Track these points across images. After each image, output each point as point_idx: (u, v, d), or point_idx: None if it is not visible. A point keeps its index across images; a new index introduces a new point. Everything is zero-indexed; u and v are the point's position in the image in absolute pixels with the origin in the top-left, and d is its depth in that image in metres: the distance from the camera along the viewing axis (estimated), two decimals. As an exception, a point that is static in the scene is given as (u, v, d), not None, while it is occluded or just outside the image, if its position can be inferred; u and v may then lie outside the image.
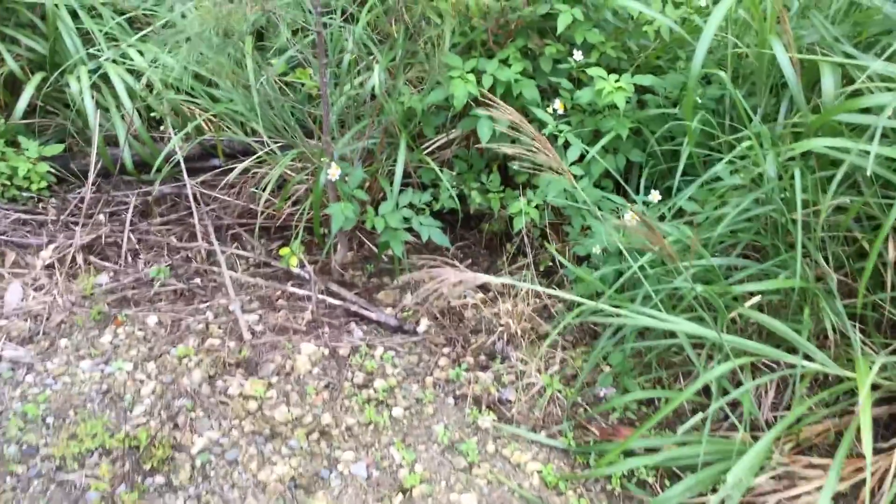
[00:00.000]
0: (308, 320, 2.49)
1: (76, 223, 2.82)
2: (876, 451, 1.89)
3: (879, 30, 2.23)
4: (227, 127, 3.05)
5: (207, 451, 2.01)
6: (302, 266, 2.67)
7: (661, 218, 2.29)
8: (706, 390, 2.13)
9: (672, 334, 2.14)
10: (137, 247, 2.77)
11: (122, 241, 2.76)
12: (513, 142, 1.99)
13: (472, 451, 2.06)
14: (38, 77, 3.05)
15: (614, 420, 2.19)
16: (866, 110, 1.95)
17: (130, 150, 3.04)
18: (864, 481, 1.90)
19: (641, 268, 2.08)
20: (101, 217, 2.88)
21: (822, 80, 2.08)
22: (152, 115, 3.14)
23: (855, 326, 1.99)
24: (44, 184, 2.95)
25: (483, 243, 2.90)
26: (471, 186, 2.68)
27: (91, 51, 3.10)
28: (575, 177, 2.39)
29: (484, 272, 2.75)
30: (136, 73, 3.07)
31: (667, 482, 2.00)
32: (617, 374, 2.25)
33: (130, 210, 2.88)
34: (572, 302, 2.22)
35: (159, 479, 1.92)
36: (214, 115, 3.01)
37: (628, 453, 2.02)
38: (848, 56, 2.15)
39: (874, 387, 1.85)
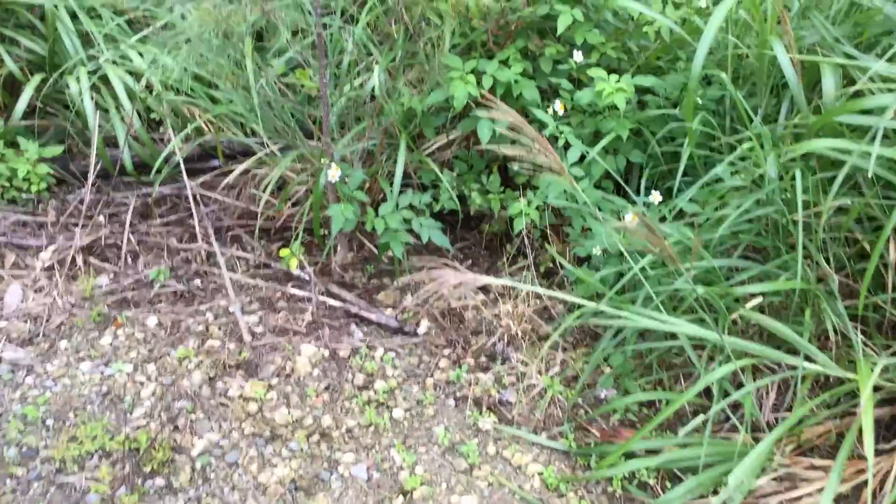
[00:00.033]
0: (308, 322, 2.48)
1: (76, 224, 2.82)
2: (877, 453, 1.89)
3: (880, 30, 2.23)
4: (227, 128, 3.04)
5: (207, 454, 2.01)
6: (302, 267, 2.67)
7: (662, 219, 2.29)
8: (707, 392, 2.13)
9: (673, 336, 2.13)
10: (137, 248, 2.77)
11: (121, 242, 2.76)
12: (513, 143, 1.99)
13: (473, 452, 2.06)
14: (37, 78, 3.05)
15: (615, 422, 2.19)
16: (867, 111, 1.95)
17: (130, 152, 3.04)
18: (865, 483, 1.89)
19: (642, 269, 2.08)
20: (101, 218, 2.88)
21: (822, 80, 2.07)
22: (152, 116, 3.14)
23: (857, 328, 1.99)
24: (43, 185, 2.94)
25: (483, 244, 2.90)
26: (471, 187, 2.68)
27: (91, 52, 3.09)
28: (575, 178, 2.38)
29: (484, 273, 2.75)
30: (136, 75, 3.06)
31: (668, 484, 1.99)
32: (618, 376, 2.25)
33: (130, 211, 2.87)
34: (573, 303, 2.21)
35: (159, 481, 1.92)
36: (214, 117, 3.01)
37: (629, 455, 2.02)
38: (849, 57, 2.15)
39: (875, 388, 1.85)
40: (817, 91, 2.25)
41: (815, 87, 2.28)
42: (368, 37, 2.81)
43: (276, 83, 2.84)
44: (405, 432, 2.13)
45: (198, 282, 2.64)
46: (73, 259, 2.66)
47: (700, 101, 2.40)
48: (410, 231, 2.49)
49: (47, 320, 2.42)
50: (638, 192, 2.50)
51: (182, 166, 2.89)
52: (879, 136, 1.75)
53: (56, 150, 3.00)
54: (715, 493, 1.90)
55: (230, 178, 2.88)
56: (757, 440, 1.91)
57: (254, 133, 2.94)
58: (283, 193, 2.75)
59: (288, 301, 2.59)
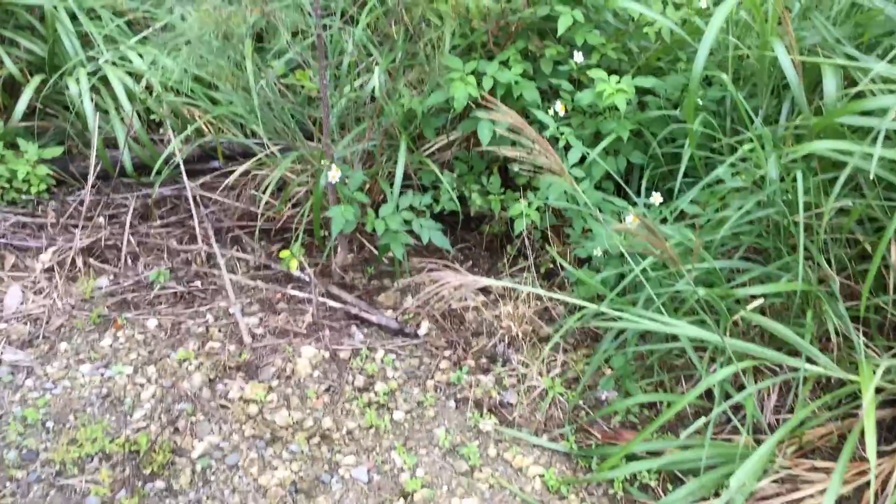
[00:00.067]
0: (308, 323, 2.48)
1: (76, 226, 2.82)
2: (879, 454, 1.89)
3: (881, 31, 2.23)
4: (227, 129, 3.04)
5: (208, 456, 2.00)
6: (302, 269, 2.67)
7: (664, 221, 2.28)
8: (708, 393, 2.12)
9: (674, 337, 2.13)
10: (137, 249, 2.76)
11: (121, 243, 2.75)
12: (513, 144, 1.99)
13: (474, 454, 2.06)
14: (37, 79, 3.04)
15: (616, 423, 2.19)
16: (868, 113, 1.95)
17: (130, 153, 3.03)
18: (867, 484, 1.89)
19: (643, 271, 2.07)
20: (101, 220, 2.87)
21: (824, 81, 2.07)
22: (152, 117, 3.13)
23: (858, 329, 1.98)
24: (43, 186, 2.94)
25: (484, 245, 2.89)
26: (471, 188, 2.68)
27: (90, 53, 3.09)
28: (576, 179, 2.38)
29: (485, 274, 2.75)
30: (136, 76, 3.06)
31: (669, 486, 1.99)
32: (619, 378, 2.25)
33: (130, 213, 2.87)
34: (574, 304, 2.21)
35: (160, 483, 1.91)
36: (214, 118, 3.01)
37: (630, 457, 2.01)
38: (850, 58, 2.15)
39: (877, 390, 1.84)
40: (818, 92, 2.25)
41: (815, 87, 2.27)
42: (368, 38, 2.80)
43: (276, 84, 2.84)
44: (406, 434, 2.12)
45: (198, 283, 2.64)
46: (73, 260, 2.66)
47: (701, 102, 2.39)
48: (411, 232, 2.48)
49: (47, 322, 2.41)
50: (638, 194, 2.50)
51: (182, 167, 2.89)
52: (881, 138, 1.75)
53: (56, 151, 3.00)
54: (716, 495, 1.89)
55: (230, 180, 2.87)
56: (758, 442, 1.91)
57: (254, 134, 2.94)
58: (284, 195, 2.75)
59: (288, 302, 2.58)
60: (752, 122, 2.24)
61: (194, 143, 3.00)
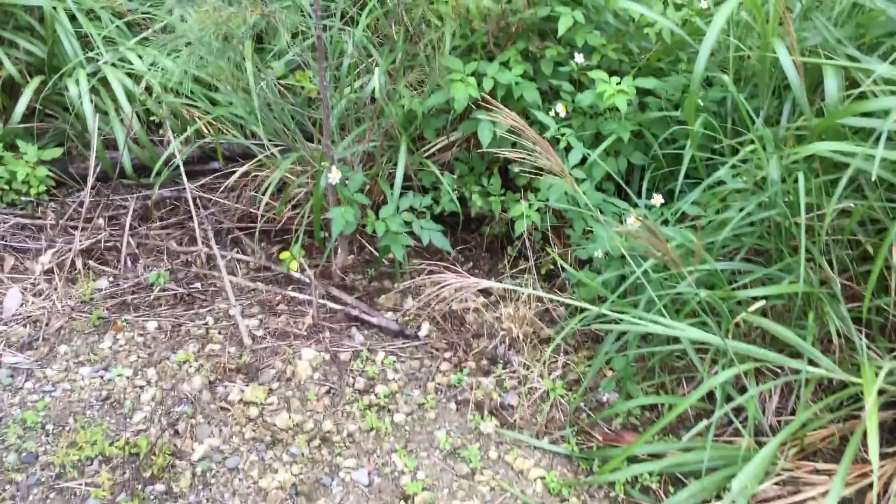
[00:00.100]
0: (309, 325, 2.47)
1: (75, 227, 2.81)
2: (881, 456, 1.88)
3: (882, 32, 2.22)
4: (227, 130, 3.03)
5: (208, 459, 2.00)
6: (302, 270, 2.66)
7: (665, 222, 2.28)
8: (710, 395, 2.12)
9: (675, 339, 2.12)
10: (137, 251, 2.75)
11: (121, 245, 2.75)
12: (513, 145, 1.98)
13: (475, 457, 2.05)
14: (36, 80, 3.04)
15: (617, 425, 2.18)
16: (869, 114, 1.94)
17: (130, 154, 3.03)
18: (869, 486, 1.89)
19: (644, 272, 2.07)
20: (101, 221, 2.87)
21: (825, 82, 2.06)
22: (151, 118, 3.13)
23: (861, 331, 1.98)
24: (42, 188, 2.93)
25: (484, 246, 2.89)
26: (472, 189, 2.67)
27: (90, 54, 3.08)
28: (576, 180, 2.37)
29: (485, 275, 2.74)
30: (136, 77, 3.05)
31: (671, 488, 1.98)
32: (620, 380, 2.24)
33: (130, 214, 2.86)
34: (575, 306, 2.20)
35: (160, 486, 1.91)
36: (214, 119, 3.00)
37: (632, 459, 2.01)
38: (851, 59, 2.14)
39: (879, 392, 1.84)
40: (819, 93, 2.24)
41: (816, 88, 2.27)
42: (369, 39, 2.80)
43: (276, 85, 2.83)
44: (406, 437, 2.12)
45: (198, 285, 2.63)
46: (73, 262, 2.65)
47: (701, 103, 2.39)
48: (411, 233, 2.48)
49: (47, 324, 2.41)
50: (639, 195, 2.49)
51: (182, 169, 2.88)
52: (883, 139, 1.74)
53: (55, 152, 2.99)
54: (718, 497, 1.89)
55: (230, 181, 2.87)
56: (760, 444, 1.90)
57: (254, 135, 2.94)
58: (284, 196, 2.74)
59: (288, 304, 2.58)
60: (754, 122, 2.23)
61: (194, 145, 3.00)
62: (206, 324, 2.46)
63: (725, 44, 2.45)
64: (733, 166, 2.20)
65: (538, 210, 2.46)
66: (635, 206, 2.37)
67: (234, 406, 2.15)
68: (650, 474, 2.00)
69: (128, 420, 2.09)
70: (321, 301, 2.55)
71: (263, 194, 2.71)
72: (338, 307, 2.54)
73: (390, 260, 2.75)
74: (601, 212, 2.36)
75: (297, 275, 2.66)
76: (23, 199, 2.93)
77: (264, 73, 2.74)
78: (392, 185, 2.58)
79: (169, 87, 3.01)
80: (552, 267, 2.66)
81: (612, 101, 2.35)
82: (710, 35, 2.15)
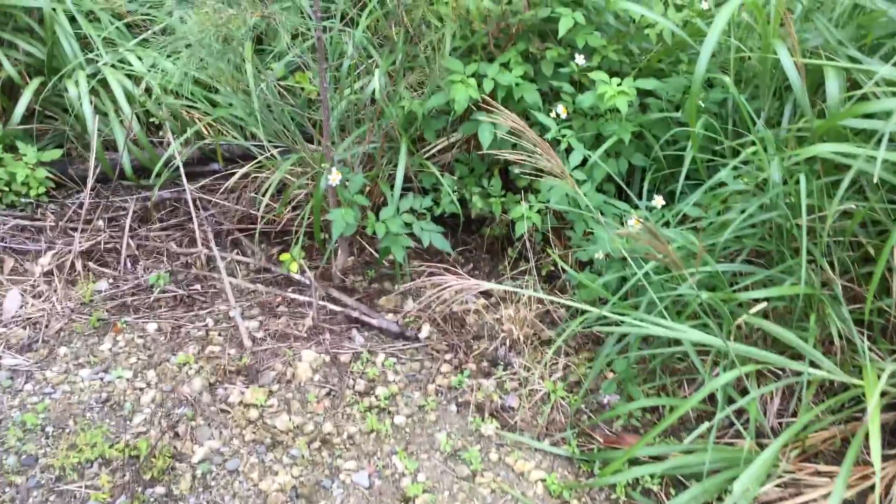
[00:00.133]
0: (309, 326, 2.47)
1: (75, 229, 2.81)
2: (883, 458, 1.87)
3: (884, 33, 2.21)
4: (227, 132, 3.03)
5: (208, 461, 1.99)
6: (302, 272, 2.66)
7: (666, 224, 2.27)
8: (711, 397, 2.11)
9: (677, 341, 2.12)
10: (137, 253, 2.75)
11: (121, 246, 2.74)
12: (514, 146, 1.98)
13: (475, 459, 2.04)
14: (36, 82, 3.03)
15: (618, 427, 2.18)
16: (870, 115, 1.94)
17: (129, 155, 3.02)
18: (870, 488, 1.88)
19: (645, 274, 2.06)
20: (100, 223, 2.86)
21: (826, 84, 2.06)
22: (151, 120, 3.12)
23: (863, 333, 1.97)
24: (42, 189, 2.93)
25: (484, 248, 2.88)
26: (472, 191, 2.67)
27: (89, 55, 3.08)
28: (577, 181, 2.37)
29: (485, 277, 2.74)
30: (135, 78, 3.05)
31: (672, 491, 1.98)
32: (621, 381, 2.24)
33: (129, 216, 2.86)
34: (575, 307, 2.20)
35: (160, 489, 1.90)
36: (214, 120, 3.00)
37: (633, 461, 2.00)
38: (852, 60, 2.14)
39: (881, 393, 1.83)
40: (820, 94, 2.24)
41: (817, 89, 2.27)
42: (369, 40, 2.79)
43: (275, 87, 2.83)
44: (407, 439, 2.11)
45: (198, 287, 2.63)
46: (73, 264, 2.65)
47: (702, 105, 2.39)
48: (411, 235, 2.48)
49: (46, 326, 2.40)
50: (640, 196, 2.49)
51: (181, 170, 2.88)
52: (885, 141, 1.74)
53: (55, 154, 2.99)
54: (719, 500, 1.88)
55: (230, 182, 2.87)
56: (761, 445, 1.90)
57: (254, 137, 2.93)
58: (284, 197, 2.74)
59: (288, 306, 2.57)
60: (755, 124, 2.23)
61: (194, 146, 2.99)
62: (206, 325, 2.46)
63: (726, 45, 2.44)
64: (734, 168, 2.19)
65: (539, 211, 2.45)
66: (636, 207, 2.37)
67: (235, 408, 2.15)
68: (651, 476, 1.99)
69: (128, 422, 2.09)
70: (321, 303, 2.55)
71: (263, 196, 2.71)
72: (338, 309, 2.53)
73: (390, 261, 2.75)
74: (602, 213, 2.36)
75: (297, 276, 2.65)
76: (22, 200, 2.92)
77: (264, 74, 2.74)
78: (392, 187, 2.57)
79: (169, 88, 3.00)
80: (553, 268, 2.65)
81: (613, 103, 2.35)
82: (712, 36, 2.14)
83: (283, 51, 2.84)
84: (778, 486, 1.92)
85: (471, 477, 2.01)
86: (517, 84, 2.46)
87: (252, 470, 1.97)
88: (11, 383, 2.19)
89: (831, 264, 2.05)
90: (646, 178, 2.51)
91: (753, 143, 2.13)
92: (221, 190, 2.96)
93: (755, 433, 1.95)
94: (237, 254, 2.79)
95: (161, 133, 3.15)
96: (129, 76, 3.03)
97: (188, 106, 3.02)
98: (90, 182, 2.89)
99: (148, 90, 3.05)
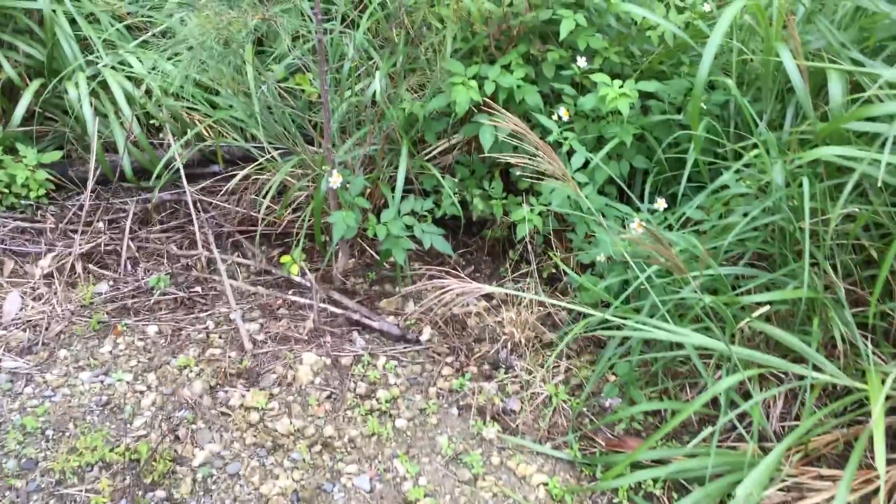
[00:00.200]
0: (309, 329, 2.46)
1: (75, 231, 2.80)
2: (886, 462, 1.86)
3: (886, 35, 2.21)
4: (227, 133, 3.02)
5: (209, 465, 1.98)
6: (303, 274, 2.65)
7: (669, 227, 2.27)
8: (714, 401, 2.11)
9: (679, 345, 2.11)
10: (137, 255, 2.74)
11: (121, 249, 2.74)
12: (515, 149, 1.97)
13: (477, 462, 2.04)
14: (36, 83, 3.02)
15: (620, 431, 2.17)
16: (873, 118, 1.93)
17: (129, 157, 3.02)
18: (874, 492, 1.88)
19: (647, 277, 2.06)
20: (101, 225, 2.86)
21: (829, 86, 2.05)
22: (151, 121, 3.12)
23: (866, 337, 1.97)
24: (42, 191, 2.92)
25: (486, 250, 2.88)
26: (473, 193, 2.66)
27: (90, 57, 3.07)
28: (579, 184, 2.36)
29: (486, 279, 2.73)
30: (135, 80, 3.04)
31: (674, 495, 1.97)
32: (623, 385, 2.23)
33: (130, 217, 2.85)
34: (577, 310, 2.19)
35: (160, 493, 1.90)
36: (214, 122, 2.99)
37: (635, 465, 2.00)
38: (855, 62, 2.13)
39: (885, 397, 1.83)
40: (822, 96, 2.23)
41: (819, 92, 2.26)
42: (369, 42, 2.79)
43: (276, 89, 2.82)
44: (408, 442, 2.11)
45: (198, 289, 2.62)
46: (73, 266, 2.64)
47: (704, 107, 2.38)
48: (412, 237, 2.47)
49: (46, 328, 2.40)
50: (642, 199, 2.48)
51: (182, 172, 2.87)
52: (889, 144, 1.73)
53: (55, 155, 2.98)
54: (722, 504, 1.88)
55: (230, 184, 2.86)
56: (763, 449, 1.89)
57: (254, 138, 2.93)
58: (284, 199, 2.73)
59: (289, 308, 2.56)
60: (757, 126, 2.22)
61: (194, 148, 2.98)
62: (207, 328, 2.45)
63: (728, 47, 2.44)
64: (737, 171, 2.19)
65: (540, 214, 2.45)
66: (638, 210, 2.36)
67: (235, 411, 2.14)
68: (654, 480, 1.99)
69: (128, 425, 2.08)
70: (322, 305, 2.54)
71: (264, 198, 2.70)
72: (339, 311, 2.53)
73: (391, 264, 2.74)
74: (603, 216, 2.35)
75: (297, 279, 2.65)
76: (22, 202, 2.92)
77: (265, 76, 2.73)
78: (393, 189, 2.57)
79: (169, 90, 2.99)
80: (554, 271, 2.65)
81: (615, 105, 2.34)
82: (715, 38, 2.14)
83: (284, 53, 2.84)
84: (781, 490, 1.91)
85: (472, 481, 2.00)
86: (518, 86, 2.45)
87: (253, 474, 1.97)
88: (11, 386, 2.18)
89: (834, 268, 2.05)
90: (647, 181, 2.50)
91: (756, 146, 2.12)
92: (222, 192, 2.96)
93: (758, 437, 1.95)
94: (238, 256, 2.78)
95: (161, 135, 3.14)
96: (129, 78, 3.02)
97: (188, 108, 3.01)
98: (90, 184, 2.89)
99: (148, 92, 3.05)
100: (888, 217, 1.97)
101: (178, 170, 2.87)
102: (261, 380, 2.26)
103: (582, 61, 2.48)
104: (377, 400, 2.21)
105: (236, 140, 2.98)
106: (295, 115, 2.79)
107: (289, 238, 2.84)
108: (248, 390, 2.21)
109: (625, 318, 1.96)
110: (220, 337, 2.41)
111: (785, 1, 2.17)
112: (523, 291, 2.35)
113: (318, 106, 2.89)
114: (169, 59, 2.94)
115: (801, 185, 1.96)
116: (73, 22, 3.09)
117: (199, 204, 2.96)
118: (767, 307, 1.93)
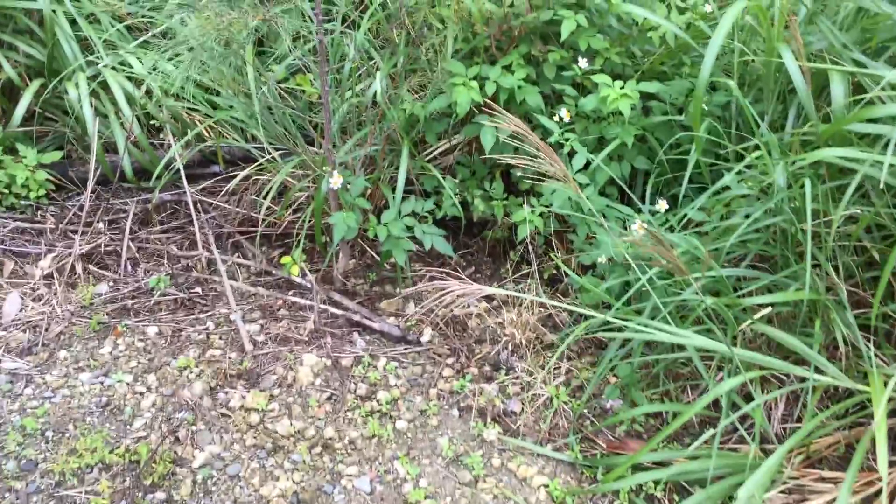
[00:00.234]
0: (310, 330, 2.46)
1: (75, 231, 2.79)
2: (888, 464, 1.86)
3: (888, 36, 2.20)
4: (228, 134, 3.02)
5: (209, 466, 1.98)
6: (303, 275, 2.64)
7: (671, 229, 2.26)
8: (715, 403, 2.10)
9: (680, 347, 2.11)
10: (137, 255, 2.74)
11: (121, 249, 2.73)
12: (516, 150, 1.97)
13: (478, 464, 2.03)
14: (36, 84, 3.02)
15: (622, 433, 2.16)
16: (875, 119, 1.93)
17: (130, 158, 3.01)
18: (875, 494, 1.87)
19: (649, 279, 2.05)
20: (101, 225, 2.85)
21: (831, 87, 2.05)
22: (152, 122, 3.11)
23: (868, 339, 1.96)
24: (42, 192, 2.92)
25: (486, 251, 2.87)
26: (474, 194, 2.66)
27: (90, 58, 3.07)
28: (580, 185, 2.36)
29: (487, 280, 2.73)
30: (136, 81, 3.04)
31: (676, 497, 1.97)
32: (624, 387, 2.22)
33: (130, 218, 2.85)
34: (578, 312, 2.19)
35: (160, 494, 1.89)
36: (215, 122, 2.99)
37: (637, 467, 1.99)
38: (857, 63, 2.13)
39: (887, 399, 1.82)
40: (824, 97, 2.22)
41: (821, 93, 2.25)
42: (370, 42, 2.78)
43: (277, 89, 2.82)
44: (409, 444, 2.10)
45: (198, 290, 2.62)
46: (73, 267, 2.64)
47: (706, 108, 2.37)
48: (413, 238, 2.46)
49: (46, 329, 2.39)
50: (643, 200, 2.48)
51: (182, 172, 2.87)
52: (892, 146, 1.73)
53: (55, 156, 2.98)
54: (723, 506, 1.87)
55: (231, 185, 2.86)
56: (766, 452, 1.89)
57: (255, 139, 2.92)
58: (284, 200, 2.73)
59: (289, 309, 2.56)
60: (759, 127, 2.21)
61: (195, 148, 2.98)
62: (207, 329, 2.44)
63: (730, 48, 2.43)
64: (738, 172, 2.18)
65: (541, 215, 2.44)
66: (639, 211, 2.36)
67: (235, 412, 2.14)
68: (655, 482, 1.98)
69: (128, 427, 2.08)
70: (322, 306, 2.53)
71: (264, 198, 2.70)
72: (339, 312, 2.52)
73: (392, 265, 2.74)
74: (605, 217, 2.34)
75: (298, 279, 2.64)
76: (22, 202, 2.91)
77: (265, 76, 2.73)
78: (394, 190, 2.56)
79: (169, 91, 2.99)
80: (555, 272, 2.64)
81: (616, 106, 2.34)
82: (716, 39, 2.13)
83: (285, 53, 2.83)
84: (782, 492, 1.90)
85: (473, 482, 2.00)
86: (519, 87, 2.45)
87: (253, 475, 1.96)
88: (11, 387, 2.18)
89: (836, 269, 2.04)
90: (649, 182, 2.50)
91: (757, 147, 2.12)
92: (222, 192, 2.95)
93: (759, 439, 1.94)
94: (238, 257, 2.77)
95: (161, 135, 3.14)
96: (129, 78, 3.02)
97: (189, 108, 3.01)
98: (90, 184, 2.88)
99: (149, 92, 3.04)
100: (890, 219, 1.96)
101: (178, 170, 2.87)
102: (261, 381, 2.25)
103: (583, 62, 2.47)
104: (378, 401, 2.21)
105: (237, 141, 2.98)
106: (295, 115, 2.79)
107: (289, 239, 2.84)
108: (248, 391, 2.20)
109: (626, 320, 1.96)
110: (220, 338, 2.41)
111: (787, 2, 2.17)
112: (524, 293, 2.34)
113: (318, 106, 2.89)
114: (169, 59, 2.94)
115: (802, 186, 1.95)
116: (73, 22, 3.09)
117: (199, 204, 2.96)
118: (769, 309, 1.93)
